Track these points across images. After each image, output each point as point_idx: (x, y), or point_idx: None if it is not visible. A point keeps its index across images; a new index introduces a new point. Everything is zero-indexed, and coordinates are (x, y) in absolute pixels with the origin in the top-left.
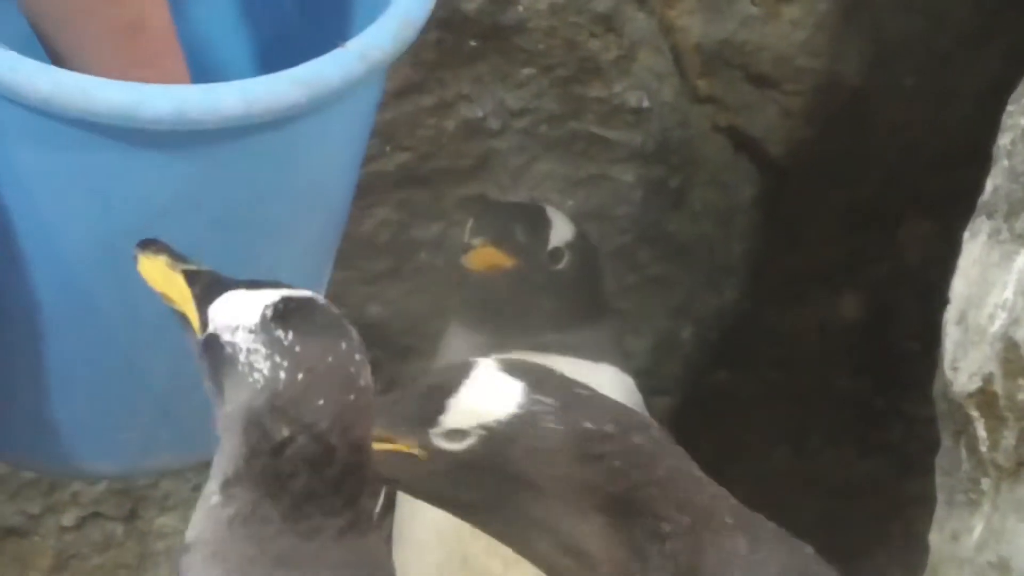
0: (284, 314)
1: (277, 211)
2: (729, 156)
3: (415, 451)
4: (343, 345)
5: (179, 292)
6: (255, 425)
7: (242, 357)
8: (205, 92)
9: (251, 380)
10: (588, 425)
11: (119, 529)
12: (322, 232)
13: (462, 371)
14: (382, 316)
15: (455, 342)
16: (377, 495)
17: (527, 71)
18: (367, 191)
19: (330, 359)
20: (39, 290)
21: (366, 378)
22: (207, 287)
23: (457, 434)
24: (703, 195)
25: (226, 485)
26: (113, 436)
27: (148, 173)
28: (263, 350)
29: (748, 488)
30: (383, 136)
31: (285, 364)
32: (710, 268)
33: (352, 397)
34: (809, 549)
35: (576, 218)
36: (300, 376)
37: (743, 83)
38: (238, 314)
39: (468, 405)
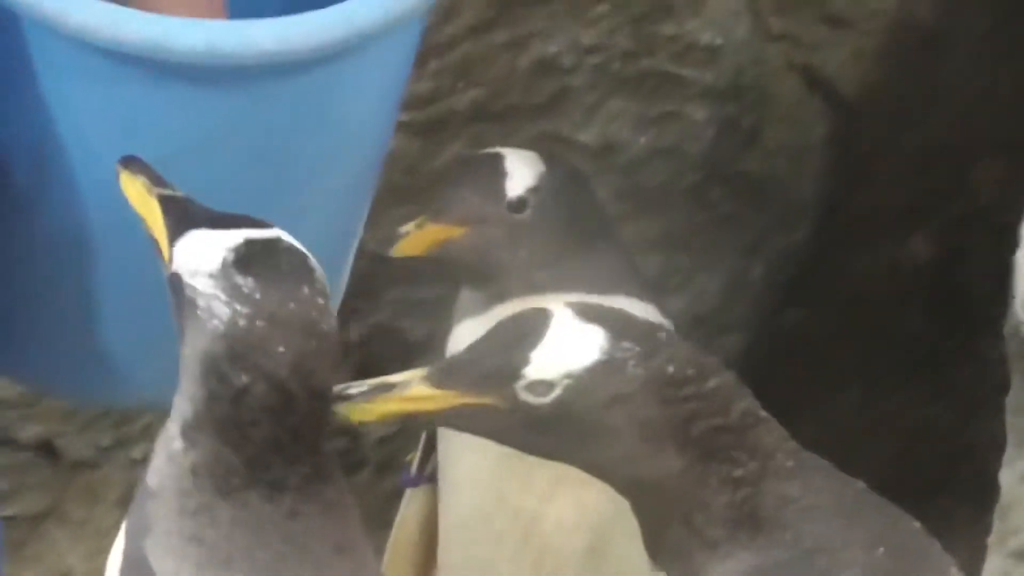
0: (245, 258)
1: (312, 150)
2: (802, 95)
3: (498, 404)
4: (305, 290)
5: (154, 218)
6: (214, 372)
7: (201, 302)
8: (239, 26)
9: (210, 326)
10: (670, 369)
11: None
12: (358, 172)
13: (539, 321)
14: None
15: (461, 302)
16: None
17: (601, 8)
18: (439, 127)
19: (291, 305)
20: (77, 221)
21: (329, 323)
22: (178, 219)
23: (542, 386)
24: (776, 134)
25: (187, 429)
26: (149, 362)
27: (180, 107)
28: (222, 296)
29: (817, 429)
30: (456, 72)
31: (245, 311)
32: (782, 207)
33: (314, 343)
34: (860, 484)
35: (645, 155)
36: (260, 324)
37: (817, 22)
38: (199, 258)
39: (551, 356)
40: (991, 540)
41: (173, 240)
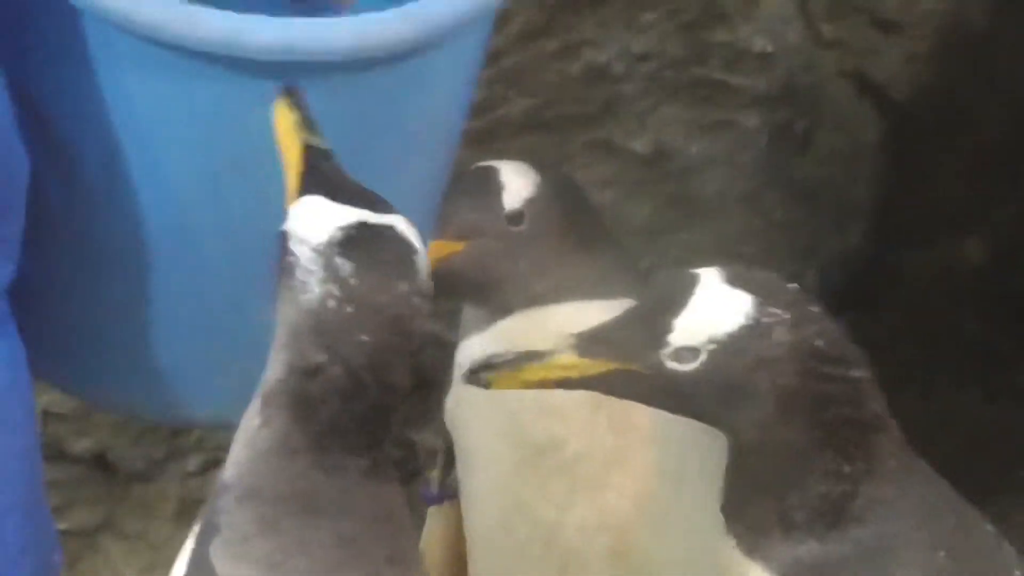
0: (352, 241)
1: (384, 149)
2: (854, 100)
3: (642, 371)
4: (402, 286)
5: (291, 162)
6: (295, 342)
7: (299, 273)
8: (314, 24)
9: (302, 298)
10: (818, 343)
11: None
12: (429, 173)
13: (685, 286)
14: None
15: (465, 318)
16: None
17: (651, 15)
18: (492, 137)
19: (384, 298)
20: (143, 226)
21: (420, 323)
22: (309, 176)
23: (687, 352)
24: (828, 139)
25: (265, 399)
26: (213, 379)
27: (253, 105)
28: (320, 273)
29: None
30: (507, 81)
31: (337, 294)
32: (835, 212)
33: (397, 339)
34: (945, 486)
35: (698, 162)
36: (348, 309)
37: (868, 27)
38: (310, 227)
39: (697, 322)
40: None
41: (301, 192)
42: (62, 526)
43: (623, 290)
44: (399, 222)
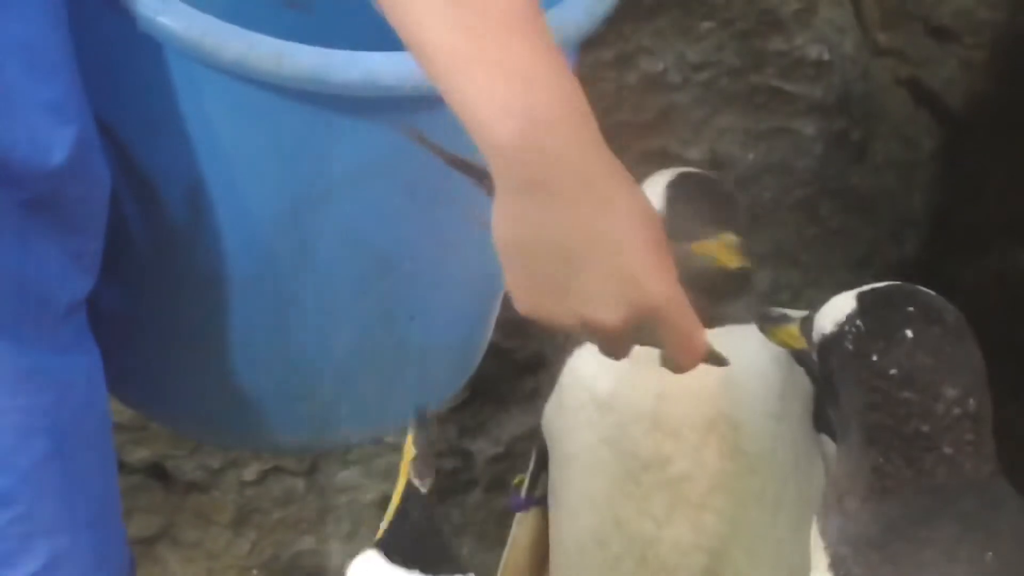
0: None
1: (464, 184)
2: (910, 109)
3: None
4: None
5: (396, 496)
6: None
7: None
8: (397, 58)
9: None
10: (874, 358)
11: (300, 484)
12: None
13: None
14: None
15: None
16: None
17: (707, 24)
18: None
19: None
20: (225, 256)
21: None
22: (397, 518)
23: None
24: (884, 148)
25: None
26: (293, 408)
27: (337, 139)
28: None
29: None
30: None
31: None
32: (891, 221)
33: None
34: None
35: (753, 171)
36: None
37: (924, 36)
38: None
39: (821, 318)
40: None
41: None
42: None
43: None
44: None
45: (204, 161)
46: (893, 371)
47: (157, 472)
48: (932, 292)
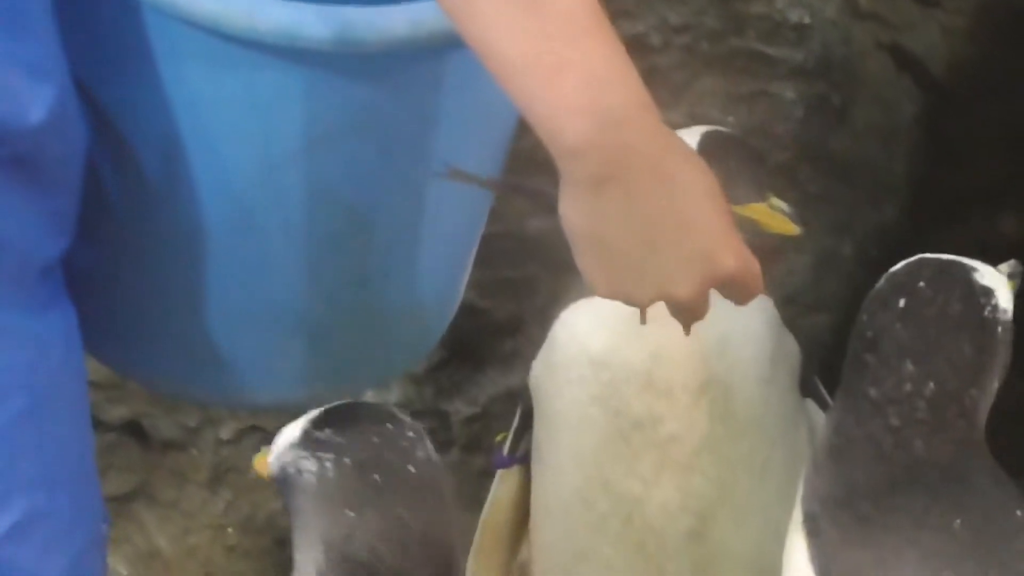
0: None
1: (443, 139)
2: (891, 74)
3: None
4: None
5: None
6: None
7: None
8: (371, 14)
9: None
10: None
11: None
12: (486, 158)
13: None
14: (541, 231)
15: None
16: None
17: None
18: None
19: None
20: (201, 213)
21: None
22: None
23: None
24: (865, 113)
25: None
26: (266, 365)
27: (312, 95)
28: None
29: None
30: None
31: None
32: (871, 186)
33: None
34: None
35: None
36: None
37: (905, 0)
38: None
39: None
40: None
41: None
42: None
43: None
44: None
45: (180, 119)
46: (869, 333)
47: (133, 430)
48: (985, 279)
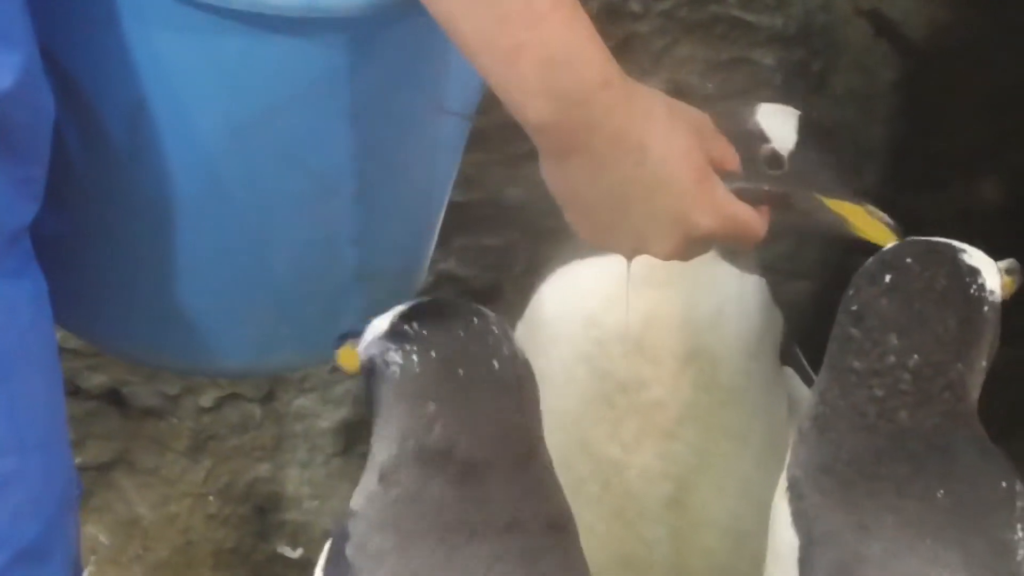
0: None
1: (409, 104)
2: (870, 40)
3: None
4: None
5: None
6: None
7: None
8: None
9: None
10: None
11: (256, 410)
12: (452, 125)
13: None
14: (521, 198)
15: (567, 244)
16: None
17: None
18: None
19: None
20: (167, 179)
21: None
22: None
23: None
24: (844, 79)
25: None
26: (234, 331)
27: (278, 60)
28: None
29: None
30: None
31: None
32: (851, 152)
33: None
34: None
35: (713, 100)
36: None
37: None
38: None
39: None
40: None
41: None
42: (76, 461)
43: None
44: None
45: (147, 85)
46: (854, 307)
47: (113, 398)
48: (972, 260)
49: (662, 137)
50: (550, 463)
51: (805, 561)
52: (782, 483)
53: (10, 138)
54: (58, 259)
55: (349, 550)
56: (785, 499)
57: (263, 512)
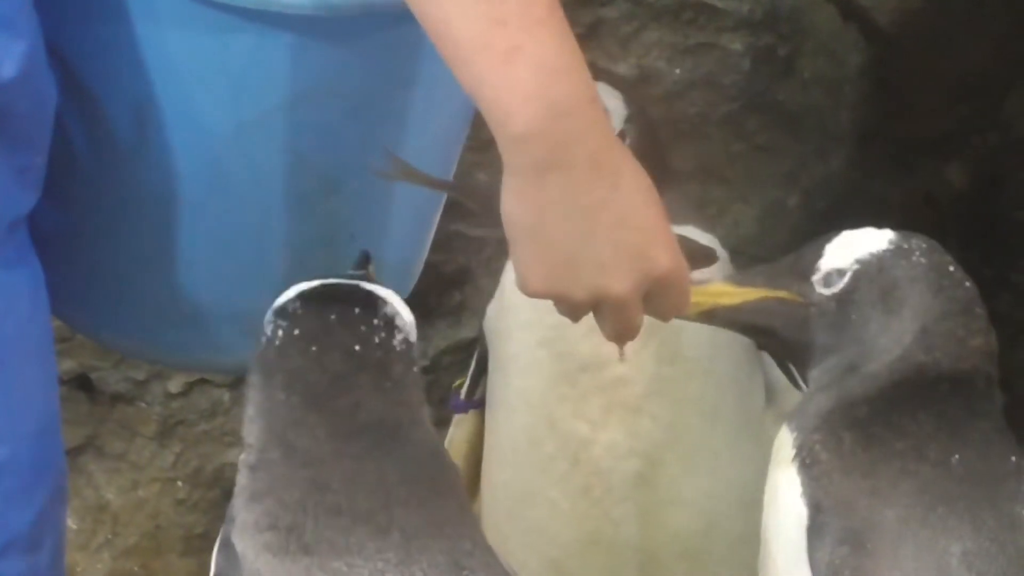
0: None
1: (411, 102)
2: (838, 25)
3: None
4: None
5: None
6: None
7: None
8: None
9: None
10: (951, 268)
11: (225, 396)
12: (451, 123)
13: (828, 237)
14: (490, 183)
15: None
16: None
17: None
18: None
19: None
20: (172, 173)
21: None
22: None
23: (835, 274)
24: (812, 64)
25: None
26: (234, 327)
27: (286, 58)
28: None
29: None
30: None
31: None
32: (818, 136)
33: None
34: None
35: (681, 86)
36: None
37: None
38: None
39: (844, 247)
40: None
41: None
42: None
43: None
44: None
45: (153, 81)
46: (968, 284)
47: (82, 383)
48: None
49: (633, 168)
50: (421, 442)
51: (814, 530)
52: (784, 455)
53: (11, 127)
54: (59, 253)
55: (234, 534)
56: (792, 469)
57: (231, 497)
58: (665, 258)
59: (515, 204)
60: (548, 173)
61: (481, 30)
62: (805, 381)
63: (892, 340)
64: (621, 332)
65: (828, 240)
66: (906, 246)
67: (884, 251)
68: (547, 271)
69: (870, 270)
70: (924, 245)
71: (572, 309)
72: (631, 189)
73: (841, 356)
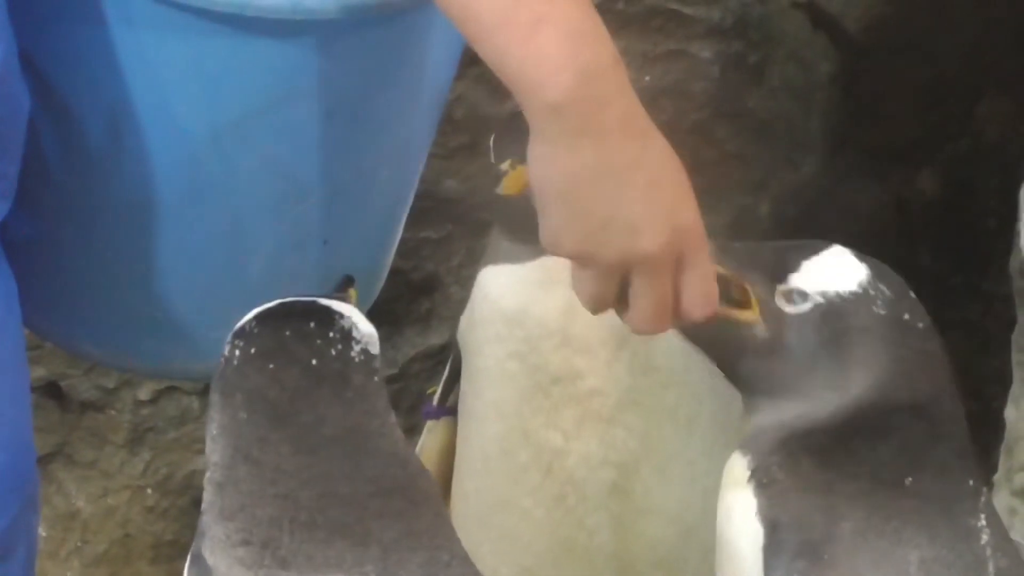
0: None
1: (384, 105)
2: (808, 33)
3: (748, 316)
4: None
5: None
6: None
7: None
8: None
9: None
10: (906, 317)
11: (195, 403)
12: (421, 126)
13: (820, 245)
14: (458, 191)
15: (497, 247)
16: None
17: None
18: None
19: None
20: (146, 180)
21: None
22: None
23: (799, 295)
24: (781, 71)
25: None
26: (208, 334)
27: (262, 62)
28: None
29: None
30: None
31: None
32: (788, 144)
33: None
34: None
35: (650, 93)
36: None
37: None
38: None
39: (818, 272)
40: (997, 477)
41: None
42: None
43: None
44: None
45: (126, 87)
46: (921, 325)
47: (52, 391)
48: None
49: (657, 133)
50: (390, 452)
51: (770, 548)
52: (737, 476)
53: None
54: (31, 263)
55: (205, 549)
56: (747, 490)
57: (201, 511)
58: (694, 215)
59: (548, 171)
60: (582, 138)
61: (504, 5)
62: (748, 406)
63: (843, 382)
64: (656, 304)
65: (813, 253)
66: (872, 292)
67: (848, 294)
68: (579, 233)
69: (830, 311)
70: (889, 293)
71: (603, 275)
72: (659, 147)
73: (791, 387)
